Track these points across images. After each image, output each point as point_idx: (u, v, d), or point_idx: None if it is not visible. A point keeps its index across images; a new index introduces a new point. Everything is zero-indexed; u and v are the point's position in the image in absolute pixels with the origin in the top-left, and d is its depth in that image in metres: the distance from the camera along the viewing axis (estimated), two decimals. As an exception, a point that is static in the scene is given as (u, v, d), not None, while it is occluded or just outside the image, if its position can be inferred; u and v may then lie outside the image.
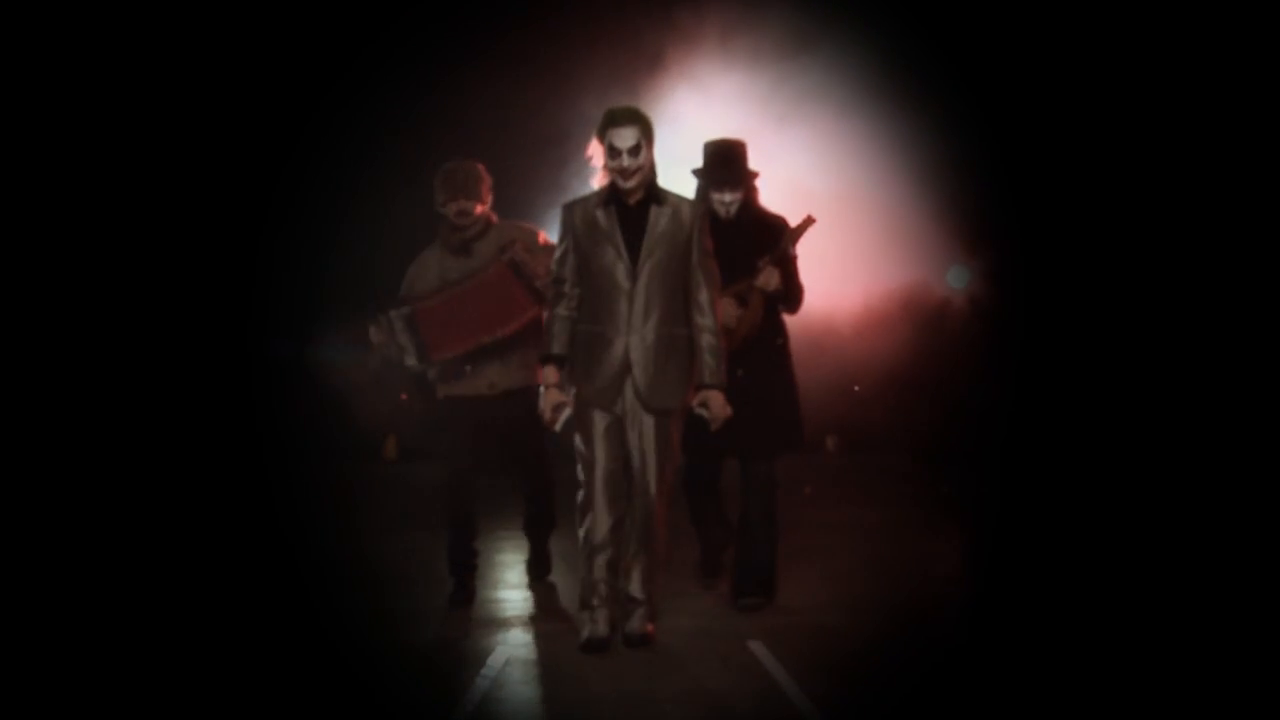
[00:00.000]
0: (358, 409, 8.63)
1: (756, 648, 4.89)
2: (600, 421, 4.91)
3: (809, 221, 5.43)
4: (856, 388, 9.69)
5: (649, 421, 4.91)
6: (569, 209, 4.97)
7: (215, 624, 5.23)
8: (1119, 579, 5.59)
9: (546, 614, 5.54)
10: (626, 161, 4.80)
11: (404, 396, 5.80)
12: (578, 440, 4.98)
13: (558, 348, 4.96)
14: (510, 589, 6.04)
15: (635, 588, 4.98)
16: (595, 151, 4.89)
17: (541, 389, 4.96)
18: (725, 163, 5.45)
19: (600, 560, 4.94)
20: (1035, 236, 6.62)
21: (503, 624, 5.36)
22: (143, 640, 5.00)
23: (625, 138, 4.79)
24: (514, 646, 4.98)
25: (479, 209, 5.62)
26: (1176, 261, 6.40)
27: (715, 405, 4.90)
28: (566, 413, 4.94)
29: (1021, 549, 5.46)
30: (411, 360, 5.54)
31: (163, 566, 6.17)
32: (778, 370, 5.51)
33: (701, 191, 5.46)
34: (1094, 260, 6.56)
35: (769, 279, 5.35)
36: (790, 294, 5.47)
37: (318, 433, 8.95)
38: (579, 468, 4.98)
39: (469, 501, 5.69)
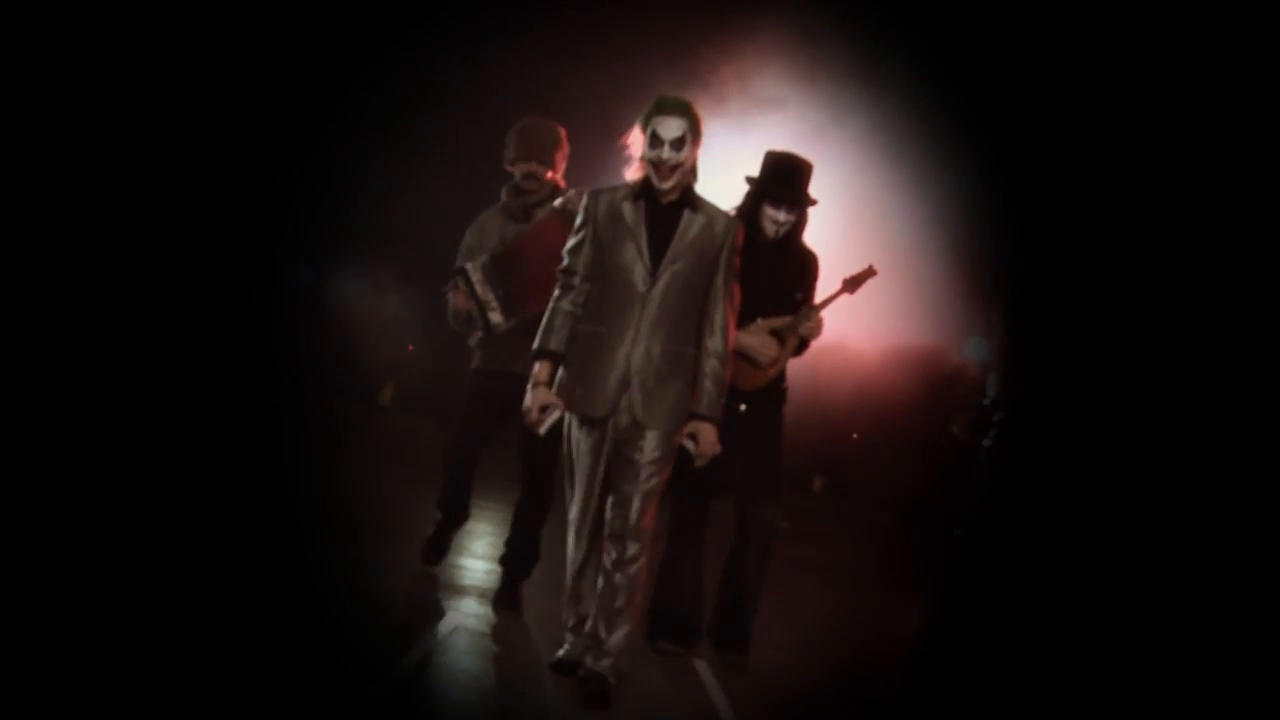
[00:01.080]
0: (362, 351, 8.62)
1: (701, 666, 4.91)
2: (590, 437, 4.45)
3: (870, 273, 5.11)
4: (855, 435, 9.70)
5: (641, 443, 4.41)
6: (594, 197, 4.51)
7: (178, 560, 5.07)
8: (1075, 661, 5.56)
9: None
10: (667, 154, 4.35)
11: (411, 348, 5.65)
12: (566, 452, 4.54)
13: (555, 343, 4.46)
14: (475, 559, 6.06)
15: (605, 633, 4.38)
16: (635, 140, 4.44)
17: (530, 386, 4.44)
18: (791, 179, 4.95)
19: (580, 583, 4.53)
20: (1061, 325, 6.59)
21: (460, 591, 5.37)
22: (99, 572, 4.92)
23: (671, 128, 4.35)
24: (466, 615, 4.99)
25: (549, 175, 5.23)
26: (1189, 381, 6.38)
27: (706, 439, 4.43)
28: (554, 415, 4.43)
29: (980, 625, 5.45)
30: (497, 317, 5.13)
31: (134, 496, 6.08)
32: (777, 417, 5.11)
33: (750, 204, 4.99)
34: (1115, 363, 6.54)
35: (817, 327, 4.99)
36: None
37: (318, 366, 8.94)
38: (565, 482, 4.57)
39: (469, 470, 5.41)
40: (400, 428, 9.57)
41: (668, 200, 4.44)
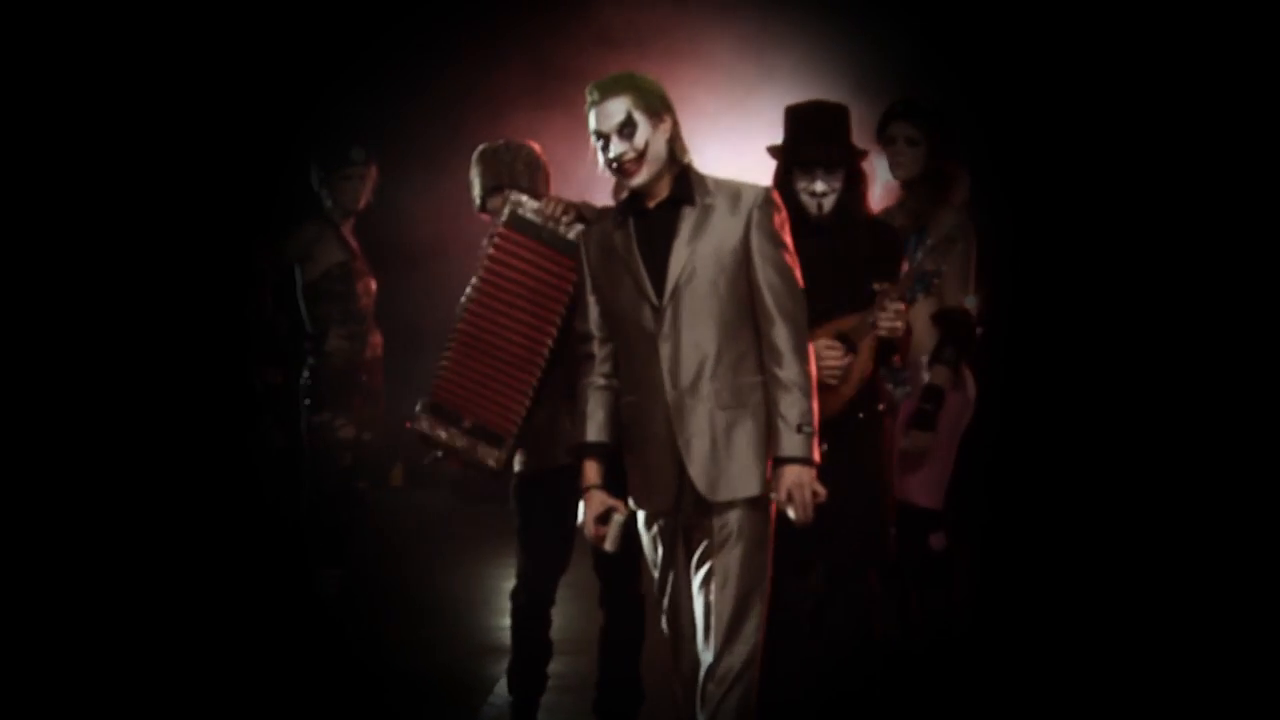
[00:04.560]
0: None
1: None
2: (657, 534, 3.48)
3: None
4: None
5: (718, 527, 3.36)
6: (585, 236, 3.55)
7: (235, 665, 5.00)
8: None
9: (557, 647, 5.21)
10: (617, 148, 3.32)
11: (408, 424, 5.25)
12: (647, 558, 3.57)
13: (595, 433, 3.46)
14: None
15: None
16: (594, 152, 3.43)
17: (583, 494, 3.49)
18: (822, 133, 3.75)
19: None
20: (1034, 272, 6.50)
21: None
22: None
23: (610, 114, 3.32)
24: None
25: None
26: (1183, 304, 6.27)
27: (796, 483, 3.30)
28: (620, 522, 3.43)
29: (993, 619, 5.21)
30: (493, 465, 3.84)
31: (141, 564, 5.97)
32: (867, 449, 3.83)
33: (782, 179, 3.79)
34: (1098, 299, 6.46)
35: (895, 319, 3.70)
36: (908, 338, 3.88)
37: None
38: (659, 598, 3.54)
39: (544, 618, 4.14)
40: (415, 504, 9.50)
41: (657, 201, 3.40)
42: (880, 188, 4.28)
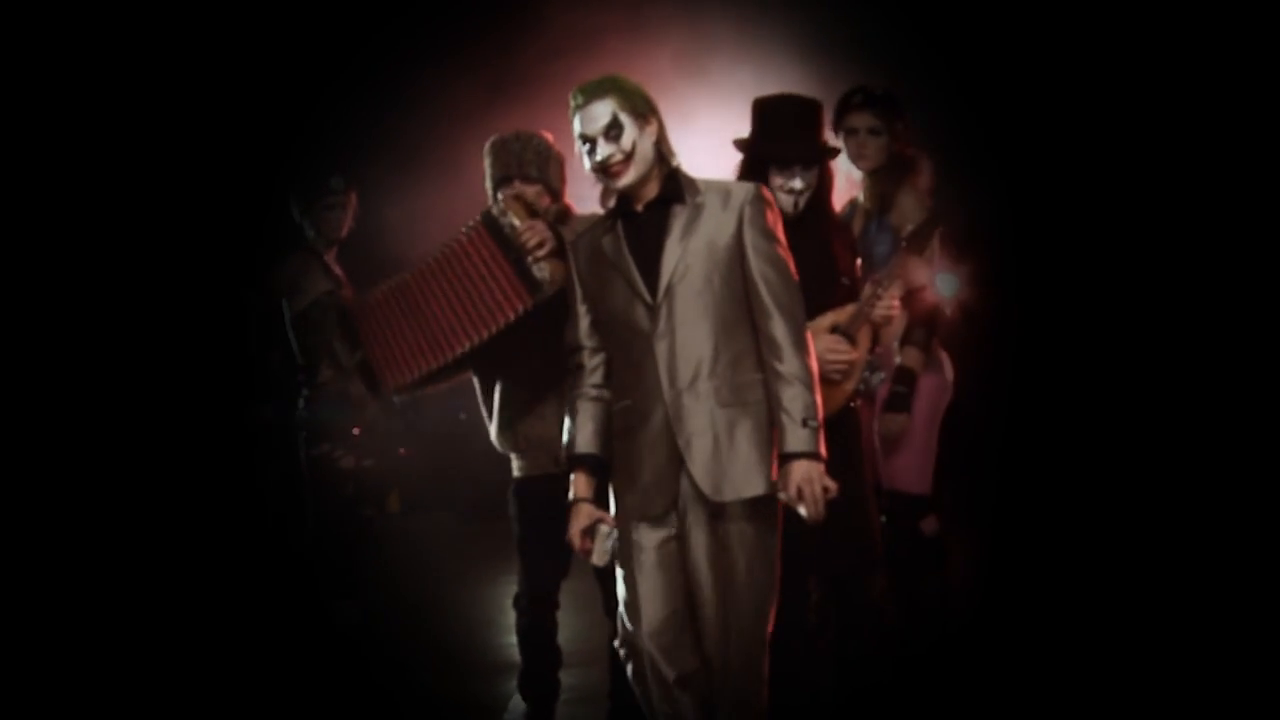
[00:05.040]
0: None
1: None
2: (649, 543, 3.30)
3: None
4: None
5: (721, 529, 3.26)
6: (573, 247, 3.46)
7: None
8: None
9: (568, 660, 4.87)
10: (603, 151, 3.26)
11: (402, 451, 5.29)
12: (619, 576, 3.38)
13: (584, 443, 3.38)
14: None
15: None
16: (579, 156, 3.39)
17: (570, 506, 3.39)
18: (798, 128, 3.70)
19: None
20: (1027, 234, 6.51)
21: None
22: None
23: (594, 117, 3.26)
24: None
25: (546, 202, 3.95)
26: (1177, 259, 6.28)
27: (801, 476, 3.19)
28: (609, 536, 3.32)
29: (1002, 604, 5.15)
30: (352, 393, 4.12)
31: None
32: (854, 440, 3.88)
33: (754, 175, 3.73)
34: (1094, 258, 6.46)
35: (888, 307, 3.82)
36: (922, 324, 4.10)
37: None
38: (620, 615, 3.40)
39: (550, 622, 4.16)
40: (412, 530, 9.49)
41: (644, 202, 3.34)
42: (842, 179, 4.28)
